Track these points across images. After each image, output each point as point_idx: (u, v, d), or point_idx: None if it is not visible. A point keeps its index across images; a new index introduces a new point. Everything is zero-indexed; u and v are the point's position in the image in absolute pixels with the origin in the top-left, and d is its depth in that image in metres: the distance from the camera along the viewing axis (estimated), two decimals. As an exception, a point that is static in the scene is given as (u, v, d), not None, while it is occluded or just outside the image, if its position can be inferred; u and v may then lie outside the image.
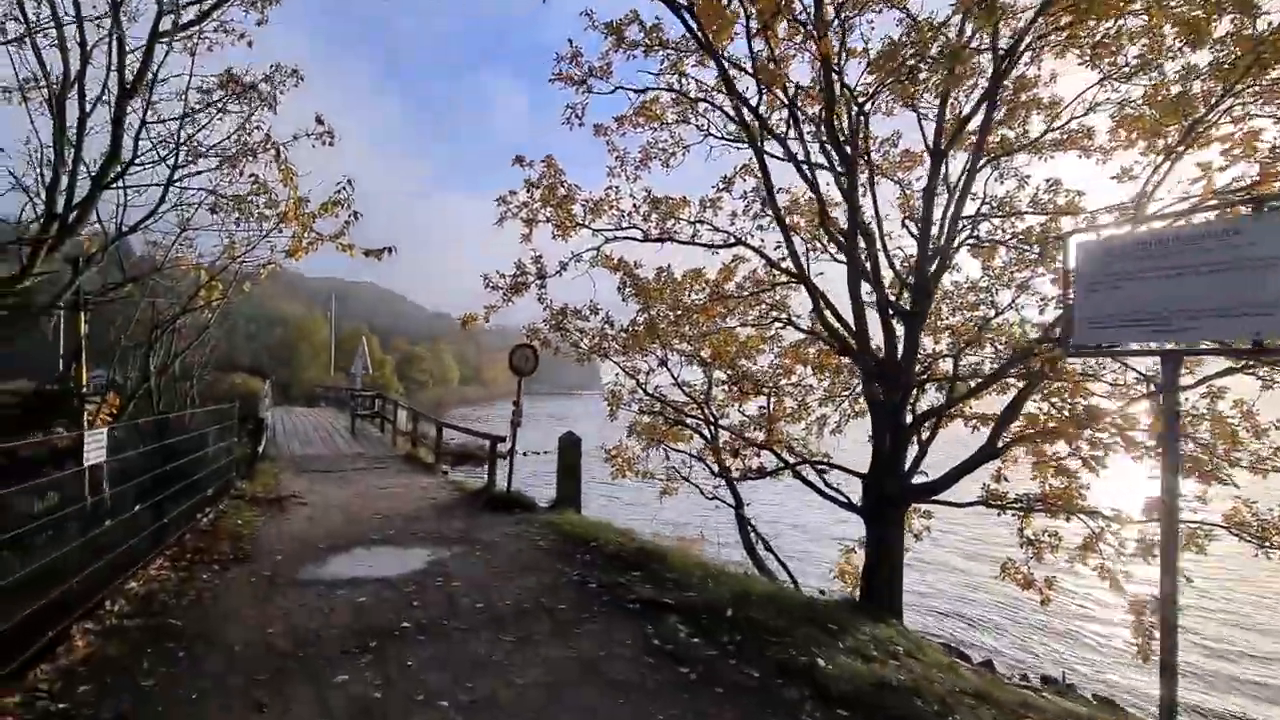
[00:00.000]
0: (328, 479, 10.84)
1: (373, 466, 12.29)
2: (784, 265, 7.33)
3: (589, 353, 8.96)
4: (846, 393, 8.37)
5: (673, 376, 8.77)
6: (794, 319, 8.40)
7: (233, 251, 8.61)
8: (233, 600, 4.93)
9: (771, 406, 7.78)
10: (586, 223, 8.38)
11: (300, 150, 8.14)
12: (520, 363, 8.93)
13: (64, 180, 5.83)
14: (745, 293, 8.04)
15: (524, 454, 24.78)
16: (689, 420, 8.77)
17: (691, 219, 7.94)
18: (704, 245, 7.87)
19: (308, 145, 8.04)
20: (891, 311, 6.60)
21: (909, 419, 6.01)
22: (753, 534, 7.76)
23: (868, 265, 6.66)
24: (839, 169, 6.74)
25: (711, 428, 8.16)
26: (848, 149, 6.40)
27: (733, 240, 7.62)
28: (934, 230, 7.09)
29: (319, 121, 8.13)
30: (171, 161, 6.92)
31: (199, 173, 7.23)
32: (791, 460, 7.09)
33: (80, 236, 6.68)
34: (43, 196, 5.69)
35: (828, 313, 6.98)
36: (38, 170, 5.89)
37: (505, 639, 4.32)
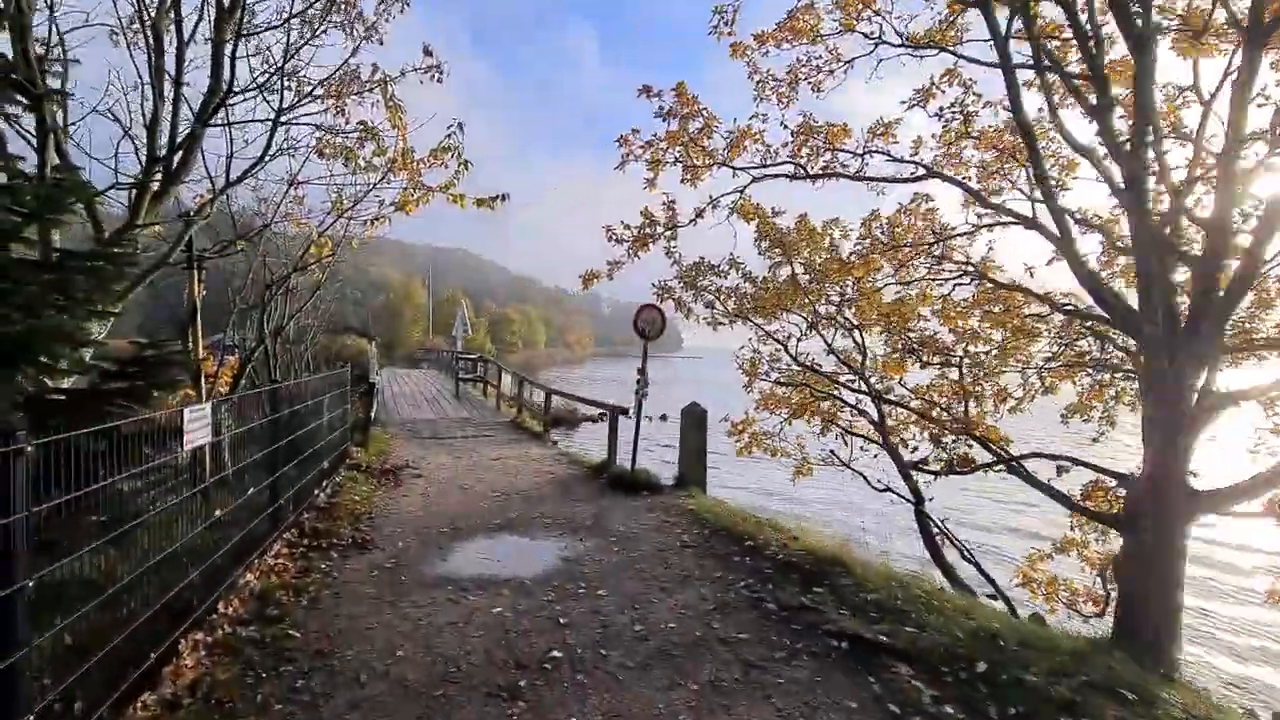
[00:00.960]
0: (438, 446, 10.40)
1: (481, 434, 11.81)
2: (996, 203, 5.74)
3: (730, 316, 7.76)
4: (1053, 362, 6.70)
5: (825, 342, 7.44)
6: (973, 270, 6.78)
7: (340, 205, 7.99)
8: (356, 603, 4.23)
9: (965, 380, 6.29)
10: (725, 160, 7.07)
11: (405, 96, 7.30)
12: (646, 326, 7.88)
13: (165, 120, 5.22)
14: (930, 239, 6.49)
15: (595, 420, 24.08)
16: (845, 394, 7.44)
17: (860, 149, 6.45)
18: (879, 180, 6.38)
19: (412, 87, 7.19)
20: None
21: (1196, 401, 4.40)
22: (939, 535, 6.40)
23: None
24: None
25: (876, 403, 6.81)
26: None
27: (920, 172, 6.08)
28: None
29: (427, 53, 7.22)
30: (276, 99, 6.23)
31: (304, 115, 6.52)
32: (1012, 454, 5.61)
33: (186, 183, 6.17)
34: (143, 139, 5.11)
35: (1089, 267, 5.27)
36: (133, 112, 5.31)
37: (685, 685, 3.32)
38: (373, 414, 10.58)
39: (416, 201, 8.01)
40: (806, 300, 7.34)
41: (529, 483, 8.06)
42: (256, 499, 4.84)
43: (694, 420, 8.92)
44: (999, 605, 5.66)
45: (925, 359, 6.45)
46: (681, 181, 7.69)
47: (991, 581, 6.28)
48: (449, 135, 7.44)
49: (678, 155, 7.55)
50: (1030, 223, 5.41)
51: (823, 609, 4.21)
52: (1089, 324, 6.18)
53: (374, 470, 8.14)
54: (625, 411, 8.44)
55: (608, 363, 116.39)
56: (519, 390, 13.63)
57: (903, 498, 6.42)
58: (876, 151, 6.40)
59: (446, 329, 52.26)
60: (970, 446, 5.90)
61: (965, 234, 6.27)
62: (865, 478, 6.72)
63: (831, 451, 7.12)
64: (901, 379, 7.68)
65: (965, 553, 6.37)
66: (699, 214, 7.32)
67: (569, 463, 9.46)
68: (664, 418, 34.36)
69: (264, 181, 7.38)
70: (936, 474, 6.03)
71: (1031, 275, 6.87)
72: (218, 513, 3.92)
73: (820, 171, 6.55)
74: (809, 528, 7.35)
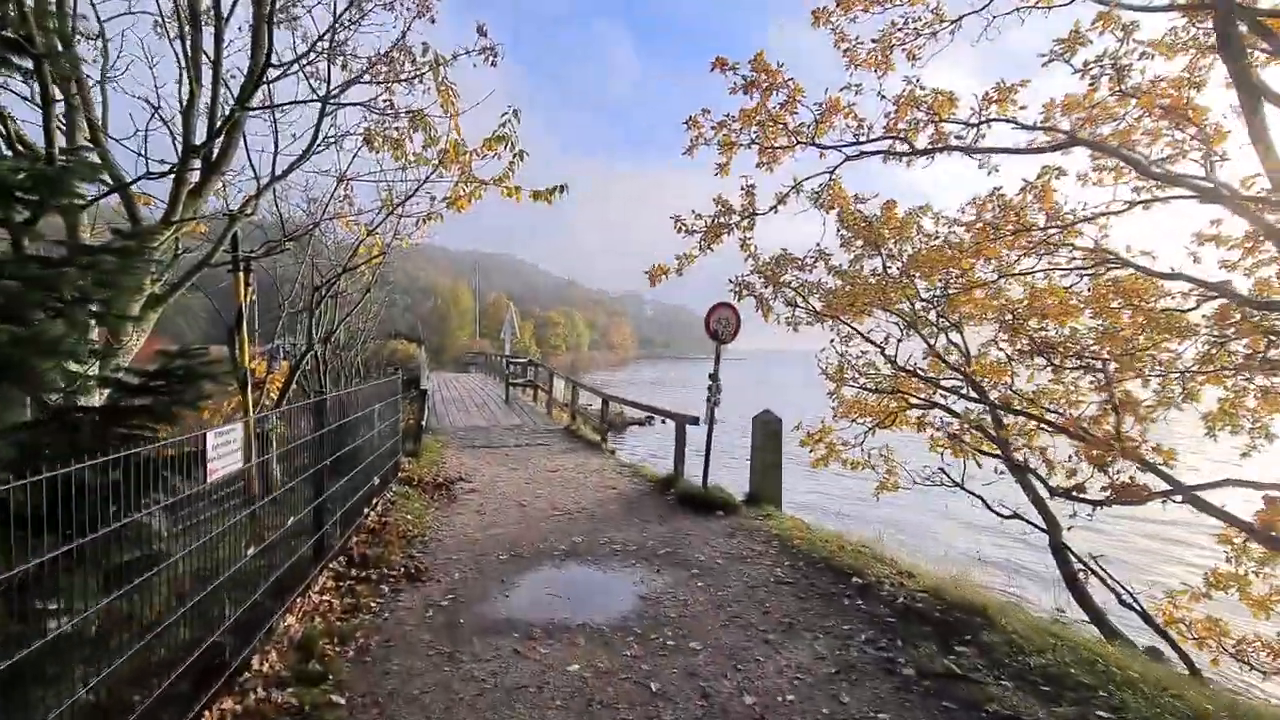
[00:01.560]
0: (492, 456, 9.87)
1: (534, 441, 11.25)
2: (1169, 173, 4.73)
3: (816, 315, 6.92)
4: (1207, 365, 5.58)
5: (926, 342, 6.51)
6: (1112, 256, 5.74)
7: (390, 202, 7.52)
8: (409, 654, 3.61)
9: (1113, 386, 5.25)
10: (811, 139, 6.24)
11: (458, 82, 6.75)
12: (720, 326, 7.11)
13: (204, 106, 4.77)
14: (1069, 219, 5.48)
15: (641, 423, 23.36)
16: (944, 400, 6.51)
17: (977, 118, 5.52)
18: (1002, 152, 5.44)
19: (459, 73, 6.63)
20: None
21: None
22: (1081, 571, 5.34)
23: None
24: None
25: (992, 412, 5.85)
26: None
27: (1059, 139, 5.10)
28: None
29: (481, 33, 6.64)
30: (321, 84, 5.75)
31: (352, 98, 6.01)
32: (1186, 481, 4.59)
33: (228, 177, 5.76)
34: (180, 127, 4.66)
35: None
36: (172, 102, 4.86)
37: (827, 793, 2.55)
38: (424, 421, 10.13)
39: (469, 196, 7.45)
40: (904, 296, 6.44)
41: (591, 498, 7.39)
42: (300, 526, 4.30)
43: (768, 430, 8.11)
44: (1175, 665, 4.66)
45: (1058, 361, 5.48)
46: (757, 165, 6.90)
47: (1166, 637, 5.20)
48: (503, 124, 6.85)
49: (753, 136, 6.76)
50: (1211, 196, 4.40)
51: (978, 679, 3.36)
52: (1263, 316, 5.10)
53: (426, 484, 7.62)
54: (694, 420, 7.68)
55: (652, 365, 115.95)
56: (573, 396, 13.06)
57: (1034, 525, 5.45)
58: (995, 120, 5.47)
59: (493, 332, 52.61)
60: (1129, 472, 4.89)
61: (1117, 212, 5.25)
62: (985, 501, 5.77)
63: (941, 469, 6.20)
64: (1010, 384, 6.67)
65: (1124, 595, 5.30)
66: (781, 199, 6.52)
67: (631, 475, 8.76)
68: (695, 421, 33.74)
69: (311, 175, 6.96)
70: (1097, 504, 5.02)
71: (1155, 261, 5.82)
72: (249, 551, 3.35)
73: (928, 146, 5.66)
74: (914, 560, 6.45)
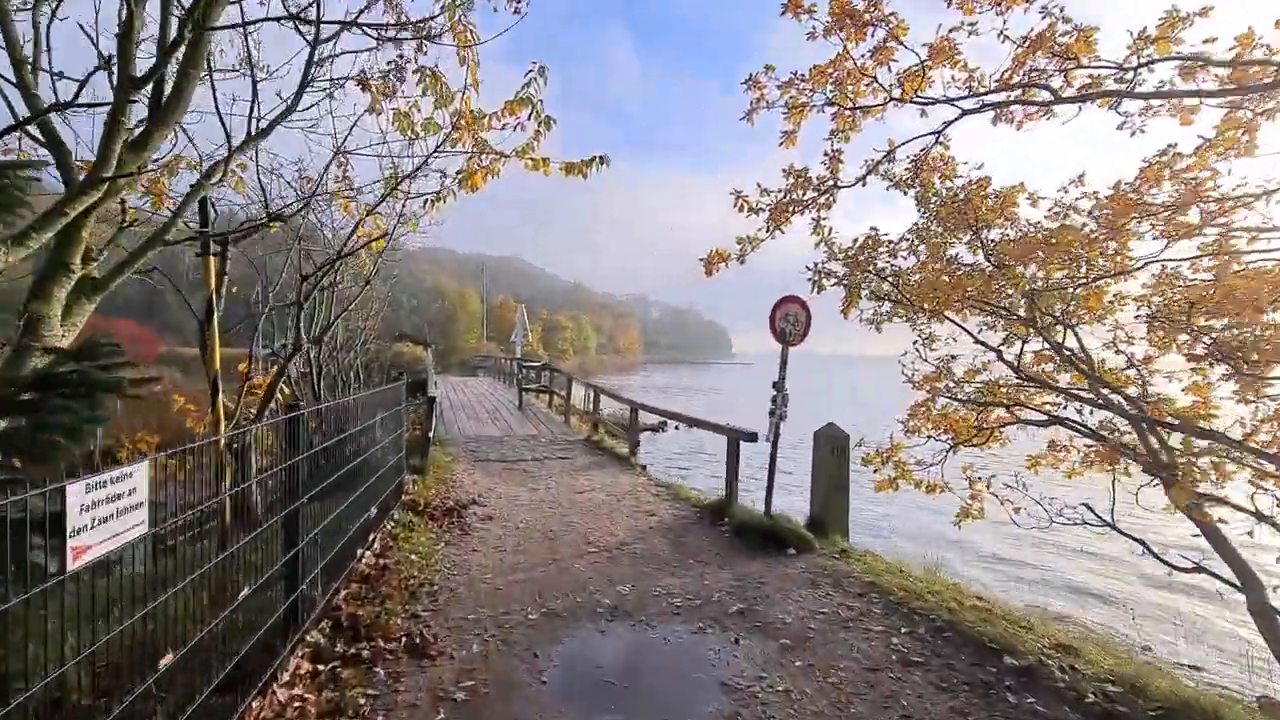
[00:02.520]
0: (508, 473, 8.69)
1: (554, 454, 10.06)
2: None
3: (915, 309, 5.69)
4: None
5: (1051, 343, 5.27)
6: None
7: (394, 178, 6.38)
8: (410, 802, 2.43)
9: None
10: (914, 89, 5.04)
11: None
12: (787, 325, 5.92)
13: (141, 28, 3.63)
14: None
15: (656, 429, 22.25)
16: (1080, 414, 5.28)
17: (1136, 58, 4.33)
18: (1178, 96, 4.24)
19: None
20: None
21: None
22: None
23: None
24: None
25: (1149, 431, 4.61)
26: None
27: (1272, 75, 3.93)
28: None
29: (502, -29, 5.51)
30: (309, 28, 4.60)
31: (349, 22, 4.86)
32: None
33: (186, 130, 4.63)
34: (114, 57, 3.52)
35: None
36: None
37: None
38: (431, 433, 8.98)
39: (485, 172, 6.28)
40: (1016, 287, 5.22)
41: (629, 529, 6.20)
42: (267, 585, 3.14)
43: (834, 447, 6.93)
44: None
45: (1243, 368, 4.28)
46: (831, 135, 5.71)
47: None
48: (527, 84, 5.69)
49: (828, 96, 5.58)
50: None
51: None
52: None
53: (434, 510, 6.45)
54: (752, 436, 6.48)
55: (661, 369, 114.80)
56: (594, 403, 11.88)
57: (1221, 579, 4.23)
58: (1161, 61, 4.29)
59: (501, 335, 51.62)
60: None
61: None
62: (1153, 552, 4.54)
63: (1086, 504, 4.98)
64: (1144, 394, 5.43)
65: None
66: (873, 168, 5.33)
67: (671, 498, 7.56)
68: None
69: (305, 146, 5.83)
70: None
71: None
72: (163, 662, 2.18)
73: (1079, 94, 4.47)
74: (1006, 591, 5.26)
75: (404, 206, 6.90)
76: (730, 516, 6.36)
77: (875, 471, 7.78)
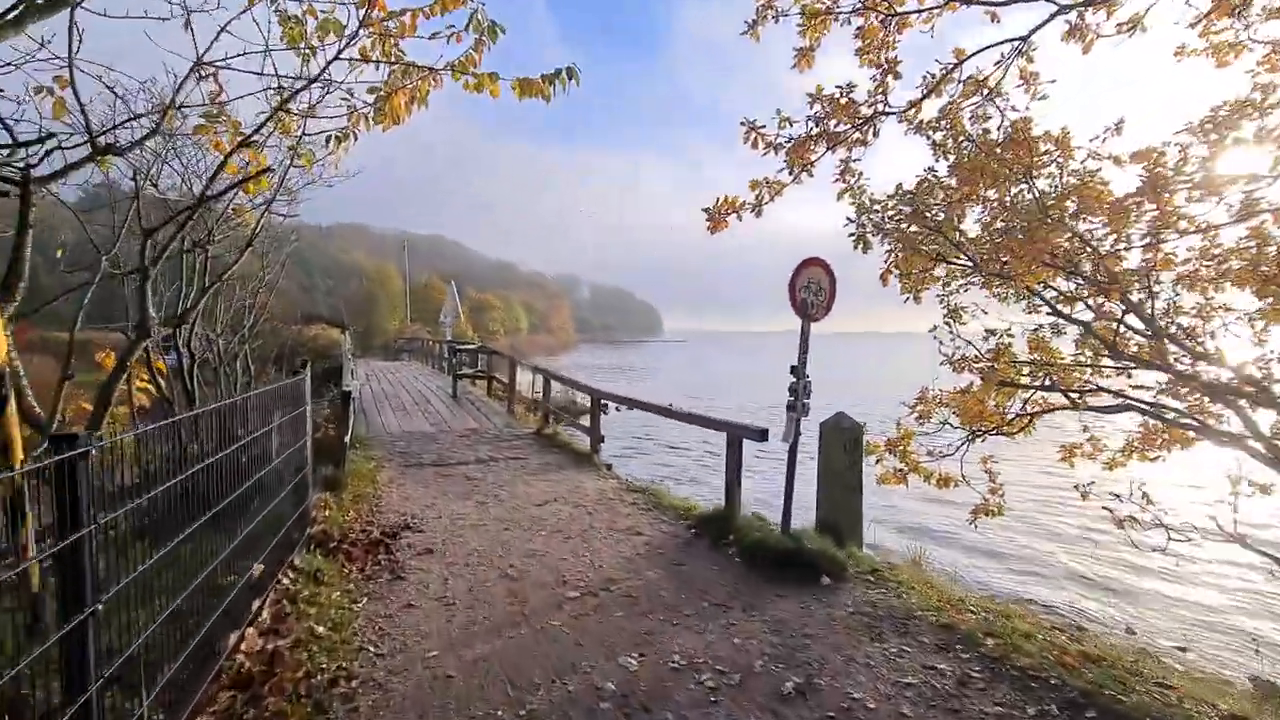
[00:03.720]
0: (447, 481, 7.14)
1: (501, 454, 8.56)
2: None
3: (979, 273, 4.58)
4: None
5: (1133, 306, 4.30)
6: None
7: (281, 97, 4.65)
8: None
9: None
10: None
11: None
12: (809, 296, 4.69)
13: None
14: None
15: (604, 409, 21.25)
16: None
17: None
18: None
19: None
20: None
21: None
22: None
23: None
24: None
25: None
26: None
27: None
28: None
29: None
30: None
31: None
32: None
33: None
34: None
35: None
36: None
37: None
38: (349, 436, 7.27)
39: (410, 96, 4.66)
40: (1080, 243, 4.22)
41: (613, 556, 4.88)
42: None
43: (845, 441, 5.87)
44: None
45: None
46: (857, 53, 4.49)
47: None
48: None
49: (855, 3, 4.34)
50: None
51: None
52: None
53: (353, 546, 4.89)
54: (760, 434, 5.27)
55: (596, 350, 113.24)
56: (544, 390, 10.37)
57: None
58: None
59: (427, 316, 48.49)
60: None
61: None
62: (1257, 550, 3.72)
63: (1212, 518, 4.09)
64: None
65: None
66: (933, 87, 4.13)
67: (652, 506, 6.28)
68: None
69: (160, 46, 4.03)
70: None
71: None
72: None
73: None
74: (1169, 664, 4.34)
75: (298, 141, 5.16)
76: (735, 533, 5.15)
77: (877, 462, 6.85)
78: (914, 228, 4.20)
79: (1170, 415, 4.30)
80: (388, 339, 44.78)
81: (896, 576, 4.65)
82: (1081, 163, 4.48)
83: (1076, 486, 5.38)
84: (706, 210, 4.48)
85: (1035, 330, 4.90)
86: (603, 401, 8.49)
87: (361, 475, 7.00)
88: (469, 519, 5.78)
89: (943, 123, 4.77)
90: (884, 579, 4.59)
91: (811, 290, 4.70)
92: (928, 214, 4.31)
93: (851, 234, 4.58)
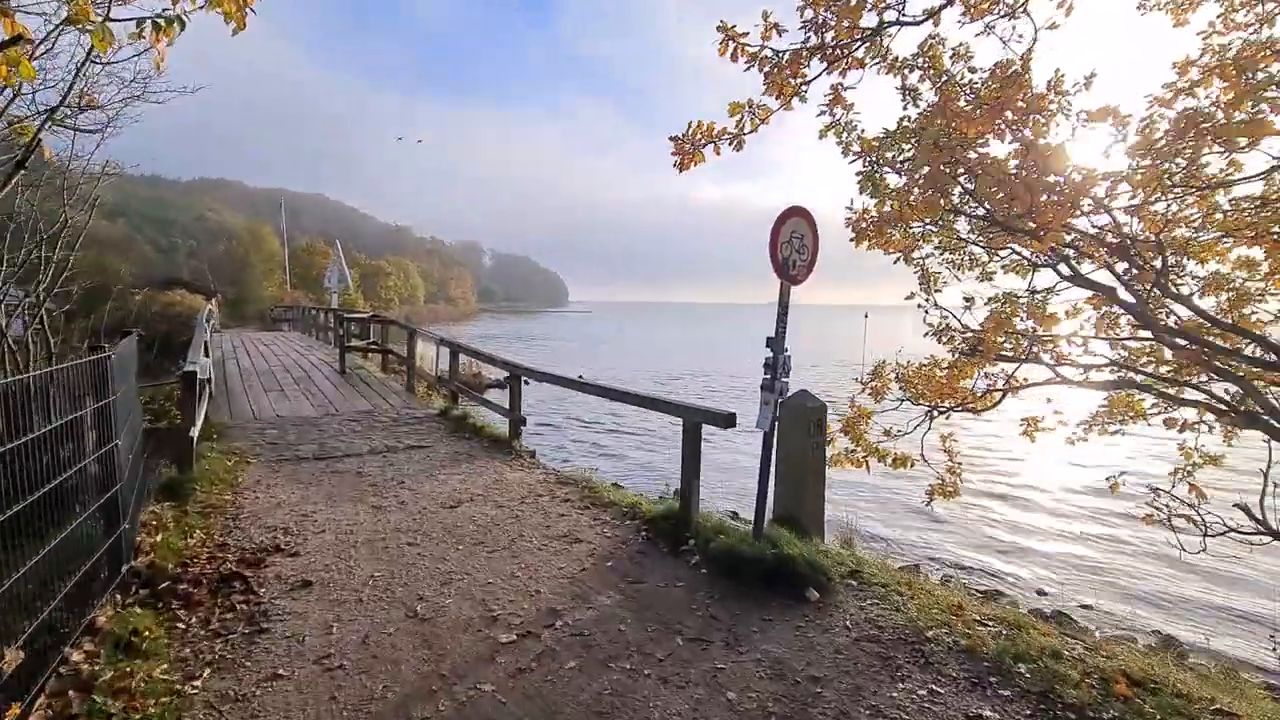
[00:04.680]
0: (335, 480, 5.82)
1: (403, 442, 7.26)
2: None
3: (988, 225, 3.87)
4: None
5: (1168, 293, 3.80)
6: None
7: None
8: None
9: None
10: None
11: None
12: (792, 254, 3.85)
13: None
14: None
15: (502, 385, 20.33)
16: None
17: None
18: None
19: None
20: None
21: None
22: None
23: None
24: None
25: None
26: None
27: None
28: None
29: None
30: None
31: None
32: None
33: None
34: None
35: None
36: None
37: None
38: (194, 429, 5.70)
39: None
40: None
41: (554, 578, 3.91)
42: None
43: (803, 421, 5.20)
44: None
45: None
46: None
47: None
48: None
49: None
50: None
51: None
52: None
53: (196, 582, 3.59)
54: (727, 419, 4.43)
55: (499, 319, 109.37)
56: (451, 366, 9.00)
57: None
58: None
59: (309, 282, 44.06)
60: None
61: None
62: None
63: (1241, 507, 3.69)
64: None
65: None
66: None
67: (589, 503, 5.33)
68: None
69: None
70: None
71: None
72: None
73: None
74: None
75: (102, 24, 3.60)
76: (696, 537, 4.34)
77: (836, 443, 6.34)
78: (941, 166, 3.44)
79: (1190, 395, 3.90)
80: (265, 307, 40.24)
81: (877, 578, 4.03)
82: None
83: (1109, 479, 5.01)
84: (676, 138, 3.50)
85: (1033, 295, 4.39)
86: (524, 379, 7.36)
87: (216, 478, 5.52)
88: (362, 531, 4.58)
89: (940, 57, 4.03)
90: (867, 584, 3.96)
91: (794, 245, 3.87)
92: (948, 147, 3.56)
93: (859, 172, 3.79)
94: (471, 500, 5.35)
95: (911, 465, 6.32)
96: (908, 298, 5.02)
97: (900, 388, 5.90)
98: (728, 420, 4.36)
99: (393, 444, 7.14)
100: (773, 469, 5.61)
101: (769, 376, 4.08)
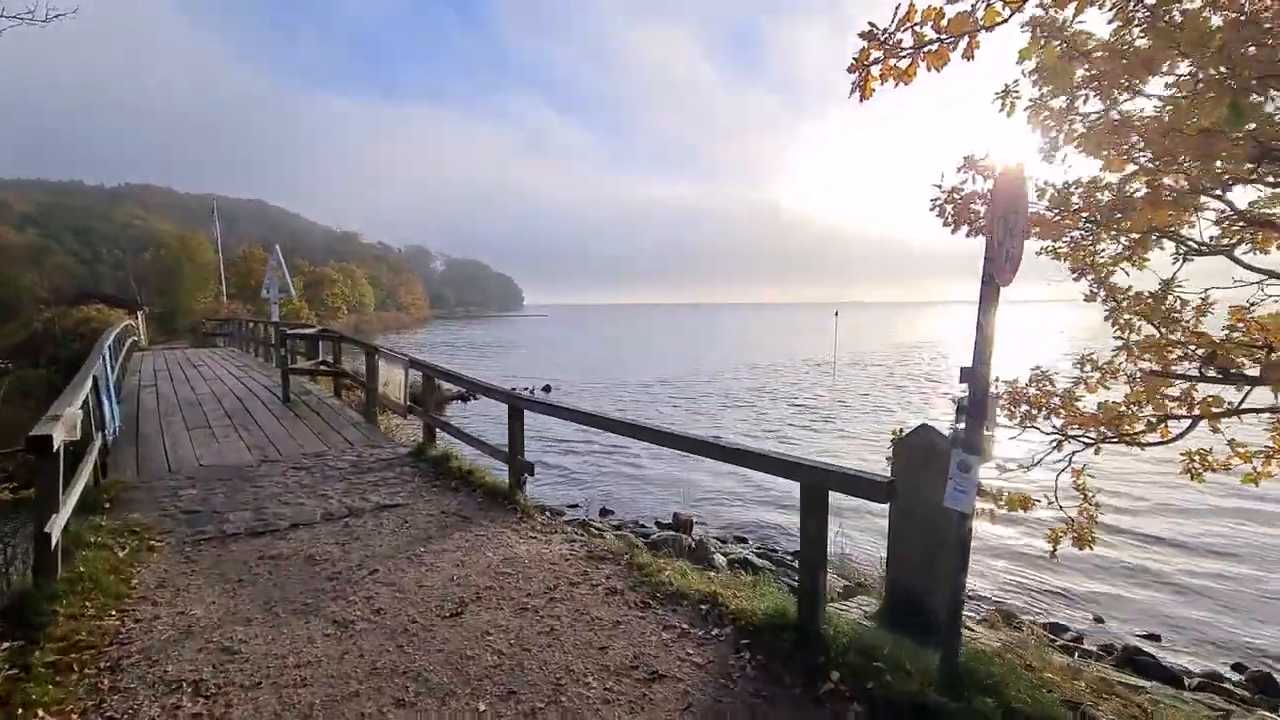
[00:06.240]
0: (275, 573, 4.13)
1: (370, 500, 5.57)
2: None
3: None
4: None
5: None
6: None
7: None
8: None
9: None
10: None
11: None
12: (1006, 240, 2.46)
13: None
14: None
15: (466, 399, 18.43)
16: None
17: None
18: None
19: None
20: None
21: None
22: None
23: None
24: None
25: None
26: None
27: None
28: None
29: None
30: None
31: None
32: None
33: None
34: None
35: None
36: None
37: None
38: (56, 520, 3.89)
39: None
40: None
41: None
42: None
43: (940, 464, 3.84)
44: None
45: None
46: None
47: None
48: None
49: None
50: None
51: None
52: None
53: None
54: (886, 490, 2.98)
55: (452, 326, 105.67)
56: (425, 390, 7.26)
57: None
58: None
59: (247, 293, 40.74)
60: None
61: None
62: None
63: None
64: None
65: None
66: None
67: (647, 596, 3.81)
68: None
69: None
70: None
71: None
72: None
73: None
74: None
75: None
76: (836, 664, 2.90)
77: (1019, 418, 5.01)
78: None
79: None
80: (197, 320, 36.93)
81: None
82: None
83: None
84: (857, 59, 2.06)
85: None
86: (468, 392, 5.74)
87: (96, 583, 3.76)
88: (320, 679, 2.95)
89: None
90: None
91: (1009, 227, 2.48)
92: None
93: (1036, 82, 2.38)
94: (479, 600, 3.77)
95: (1030, 507, 5.08)
96: (1088, 297, 3.71)
97: (1031, 413, 4.63)
98: (887, 490, 2.92)
99: (356, 504, 5.45)
100: (888, 529, 4.27)
101: (961, 423, 2.68)
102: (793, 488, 3.26)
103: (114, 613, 3.53)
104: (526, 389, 24.66)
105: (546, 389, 27.33)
